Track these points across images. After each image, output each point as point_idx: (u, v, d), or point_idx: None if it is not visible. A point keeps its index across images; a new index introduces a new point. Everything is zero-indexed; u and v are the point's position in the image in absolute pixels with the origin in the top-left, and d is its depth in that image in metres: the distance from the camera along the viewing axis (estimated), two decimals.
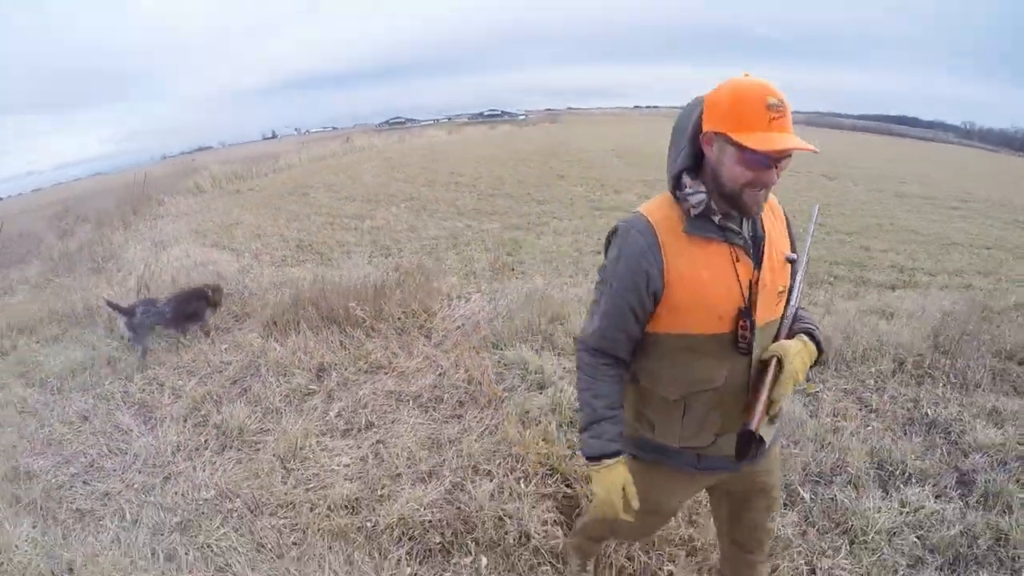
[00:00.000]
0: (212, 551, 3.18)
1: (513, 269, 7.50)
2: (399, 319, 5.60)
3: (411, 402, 4.37)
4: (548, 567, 2.79)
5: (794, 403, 3.97)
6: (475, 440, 3.76)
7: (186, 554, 3.16)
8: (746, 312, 1.59)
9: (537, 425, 3.83)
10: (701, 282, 1.59)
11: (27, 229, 17.81)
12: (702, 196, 1.56)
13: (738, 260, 1.60)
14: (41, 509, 3.72)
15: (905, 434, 3.75)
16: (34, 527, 3.53)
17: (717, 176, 1.53)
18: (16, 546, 3.34)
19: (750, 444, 1.58)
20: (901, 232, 10.71)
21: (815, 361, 1.67)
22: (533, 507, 3.11)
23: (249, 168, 25.61)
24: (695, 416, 1.71)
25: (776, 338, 1.67)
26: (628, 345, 1.71)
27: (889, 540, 2.89)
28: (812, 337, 1.67)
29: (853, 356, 4.56)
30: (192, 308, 6.09)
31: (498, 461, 3.52)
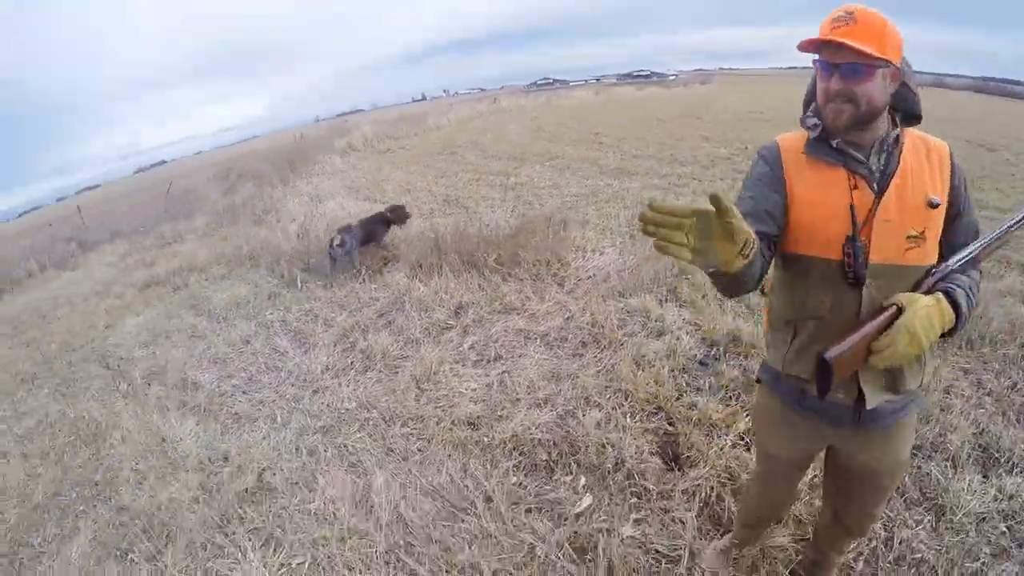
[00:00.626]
0: (347, 451, 3.70)
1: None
2: (534, 266, 5.95)
3: (538, 340, 4.70)
4: (637, 494, 3.05)
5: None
6: (591, 376, 4.06)
7: (325, 451, 3.73)
8: (852, 239, 1.58)
9: (651, 368, 4.08)
10: (813, 203, 1.63)
11: (192, 187, 19.32)
12: (815, 121, 1.63)
13: (855, 187, 1.59)
14: (204, 411, 4.47)
15: (1019, 422, 3.52)
16: (197, 424, 4.28)
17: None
18: (181, 439, 4.09)
19: (826, 376, 1.50)
20: None
21: (949, 331, 1.53)
22: (635, 439, 3.39)
23: (399, 128, 26.58)
24: (801, 342, 1.75)
25: (915, 290, 1.59)
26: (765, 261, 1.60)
27: (977, 524, 2.81)
28: (952, 299, 1.53)
29: (980, 336, 4.37)
30: (372, 230, 7.16)
31: (609, 396, 3.82)
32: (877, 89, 1.52)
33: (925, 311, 1.46)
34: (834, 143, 1.61)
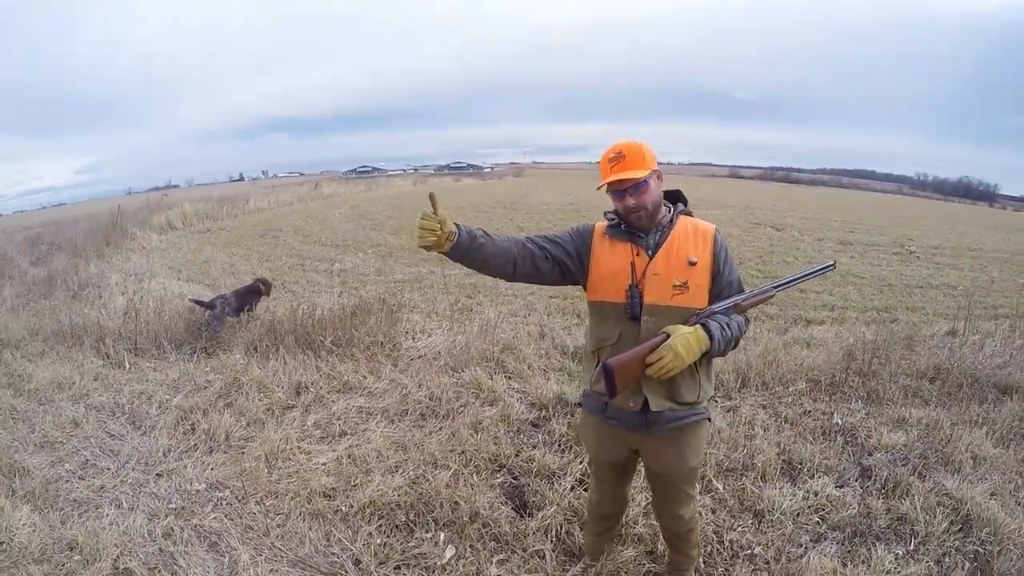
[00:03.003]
0: (205, 531, 3.64)
1: (471, 310, 7.97)
2: (368, 347, 6.11)
3: (379, 415, 4.85)
4: (494, 541, 3.30)
5: (712, 412, 4.45)
6: (435, 443, 4.29)
7: (181, 532, 3.63)
8: (633, 287, 2.27)
9: (489, 432, 4.39)
10: (609, 264, 2.35)
11: None
12: (613, 218, 2.42)
13: (638, 254, 2.31)
14: (39, 499, 4.16)
15: (814, 439, 4.26)
16: (33, 512, 3.98)
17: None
18: (16, 528, 3.79)
19: (609, 378, 2.14)
20: (839, 276, 11.45)
21: (707, 352, 2.19)
22: (484, 493, 3.65)
23: (219, 208, 26.10)
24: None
25: (685, 323, 2.23)
26: (544, 253, 2.40)
27: (794, 519, 3.40)
28: (707, 328, 2.19)
29: (772, 378, 5.12)
30: (248, 300, 7.49)
31: (454, 458, 4.05)
32: (654, 193, 2.32)
33: (684, 336, 2.13)
34: (622, 227, 2.38)
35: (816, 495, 3.59)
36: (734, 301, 2.31)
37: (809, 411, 4.68)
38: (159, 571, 3.34)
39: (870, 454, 4.10)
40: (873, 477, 3.80)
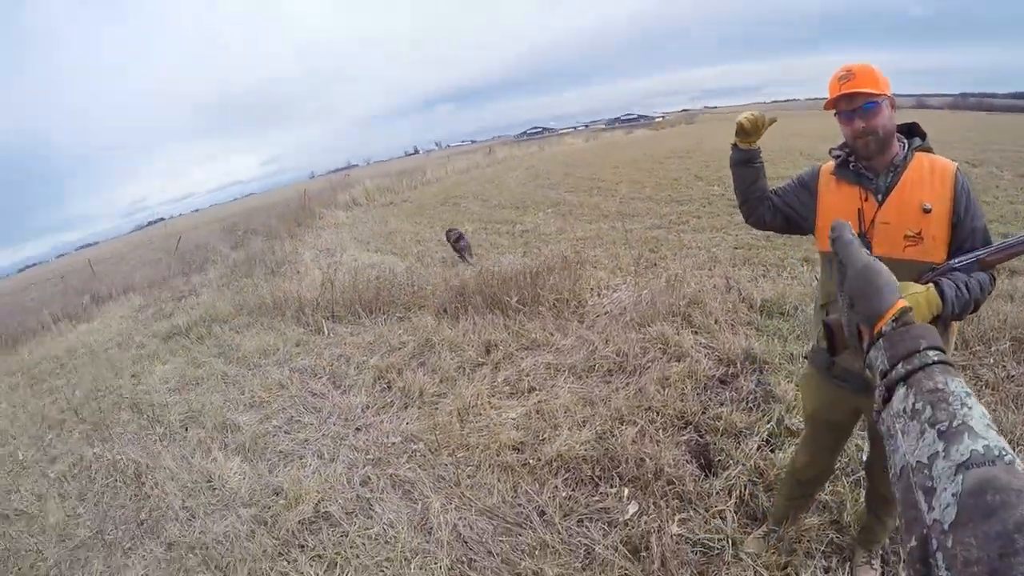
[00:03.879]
0: (399, 480, 3.95)
1: (656, 264, 7.92)
2: (555, 305, 6.25)
3: (567, 372, 4.98)
4: (677, 499, 3.32)
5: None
6: (621, 399, 4.34)
7: (377, 481, 3.96)
8: (860, 236, 2.07)
9: (676, 388, 4.38)
10: (835, 209, 2.22)
11: (200, 241, 19.98)
12: (839, 154, 2.25)
13: (866, 199, 2.14)
14: (248, 451, 4.73)
15: (1017, 407, 3.83)
16: (243, 462, 4.55)
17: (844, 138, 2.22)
18: (228, 476, 4.35)
19: (831, 337, 1.82)
20: None
21: (940, 315, 1.86)
22: (669, 450, 3.67)
23: (398, 182, 27.36)
24: None
25: (916, 280, 1.93)
26: (775, 207, 2.46)
27: None
28: (940, 290, 1.86)
29: (972, 335, 4.72)
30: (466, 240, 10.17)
31: (640, 414, 4.10)
32: (887, 118, 2.08)
33: (915, 296, 1.80)
34: (852, 167, 2.19)
35: None
36: (977, 256, 1.97)
37: (1012, 375, 4.23)
38: (356, 515, 3.67)
39: None
40: None
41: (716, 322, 5.48)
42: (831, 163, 2.30)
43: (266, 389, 5.84)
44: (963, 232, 2.05)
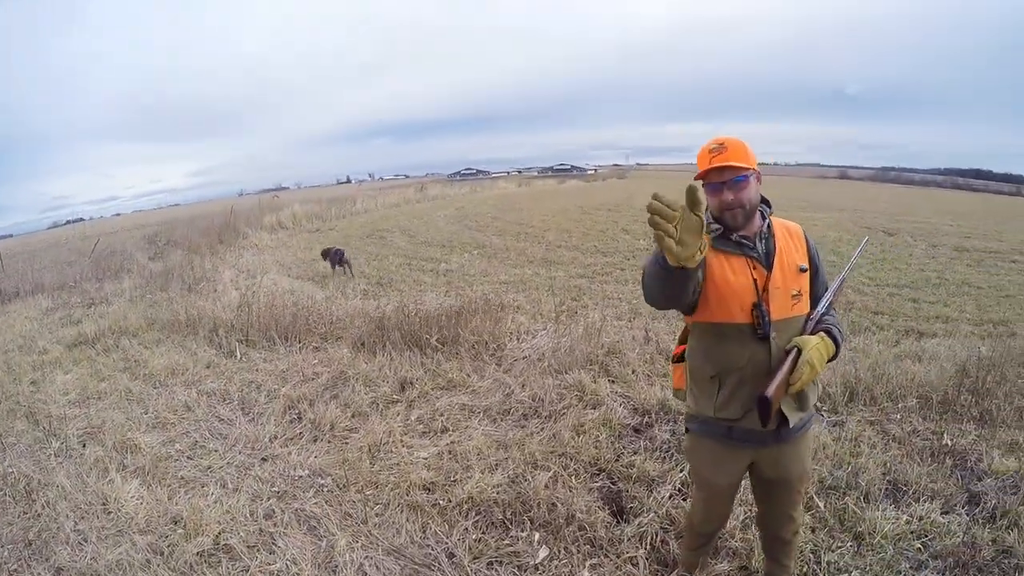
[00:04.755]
0: (305, 515, 3.80)
1: (577, 313, 7.97)
2: (473, 347, 6.21)
3: (482, 414, 4.94)
4: (589, 544, 3.29)
5: (819, 427, 4.39)
6: (536, 443, 4.32)
7: (282, 515, 3.80)
8: (758, 306, 2.16)
9: (590, 435, 4.40)
10: (726, 281, 2.18)
11: (118, 248, 19.29)
12: (715, 225, 2.23)
13: (754, 268, 2.19)
14: (148, 474, 4.45)
15: (922, 460, 4.03)
16: (141, 486, 4.28)
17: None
18: (125, 500, 4.07)
19: (766, 409, 2.01)
20: (954, 286, 10.85)
21: (832, 356, 2.18)
22: (582, 496, 3.65)
23: (327, 209, 27.30)
24: (727, 391, 2.26)
25: (801, 334, 2.19)
26: None
27: (894, 544, 3.24)
28: (831, 335, 2.18)
29: (881, 393, 4.90)
30: (341, 256, 11.72)
31: (554, 460, 4.08)
32: (754, 191, 2.20)
33: (816, 349, 2.10)
34: (733, 237, 2.22)
35: (920, 520, 3.40)
36: (829, 300, 2.31)
37: (918, 430, 4.47)
38: (258, 549, 3.51)
39: (979, 479, 3.86)
40: (981, 505, 3.56)
41: (633, 372, 5.56)
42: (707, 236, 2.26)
43: (171, 410, 5.58)
44: (819, 282, 2.35)
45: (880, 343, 6.81)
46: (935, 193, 51.84)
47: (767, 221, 2.27)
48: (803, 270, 2.25)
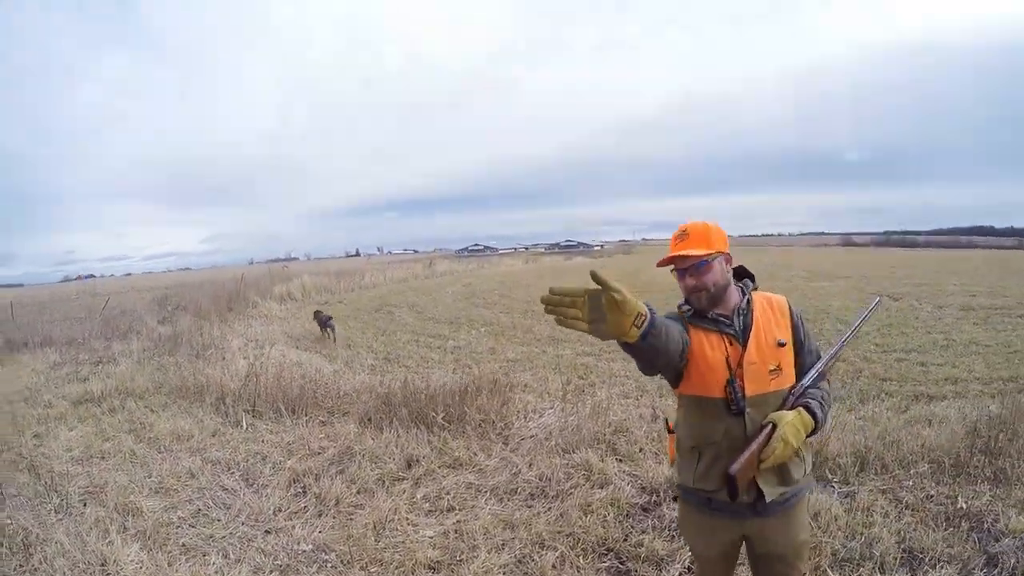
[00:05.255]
0: None
1: (583, 390, 7.90)
2: (480, 425, 6.20)
3: (488, 493, 4.88)
4: None
5: (830, 498, 4.30)
6: (543, 523, 4.26)
7: None
8: (731, 382, 2.17)
9: (598, 514, 4.33)
10: (703, 357, 2.21)
11: (128, 308, 19.74)
12: (687, 307, 2.31)
13: (730, 344, 2.21)
14: (149, 539, 4.41)
15: (937, 525, 3.94)
16: (142, 551, 4.23)
17: None
18: (124, 563, 4.03)
19: (732, 485, 2.03)
20: (961, 346, 10.68)
21: (813, 431, 2.14)
22: None
23: (336, 282, 27.82)
24: (705, 463, 2.26)
25: (781, 408, 2.17)
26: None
27: None
28: (809, 409, 2.13)
29: (892, 460, 4.82)
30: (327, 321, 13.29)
31: (561, 540, 4.02)
32: (719, 274, 2.23)
33: (791, 424, 2.07)
34: (709, 315, 2.26)
35: None
36: (819, 371, 2.27)
37: (932, 495, 4.37)
38: None
39: (997, 540, 3.75)
40: (999, 566, 3.50)
41: (640, 450, 5.51)
42: (683, 312, 2.35)
43: (175, 476, 5.57)
44: (805, 354, 2.31)
45: (889, 410, 6.66)
46: (939, 254, 51.74)
47: (746, 297, 2.31)
48: (781, 344, 2.25)
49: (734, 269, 2.37)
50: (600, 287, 1.67)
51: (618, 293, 1.68)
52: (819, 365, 2.28)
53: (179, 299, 21.41)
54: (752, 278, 2.40)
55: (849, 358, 9.44)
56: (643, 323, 1.78)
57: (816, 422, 2.15)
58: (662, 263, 2.29)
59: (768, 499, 2.22)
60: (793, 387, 2.23)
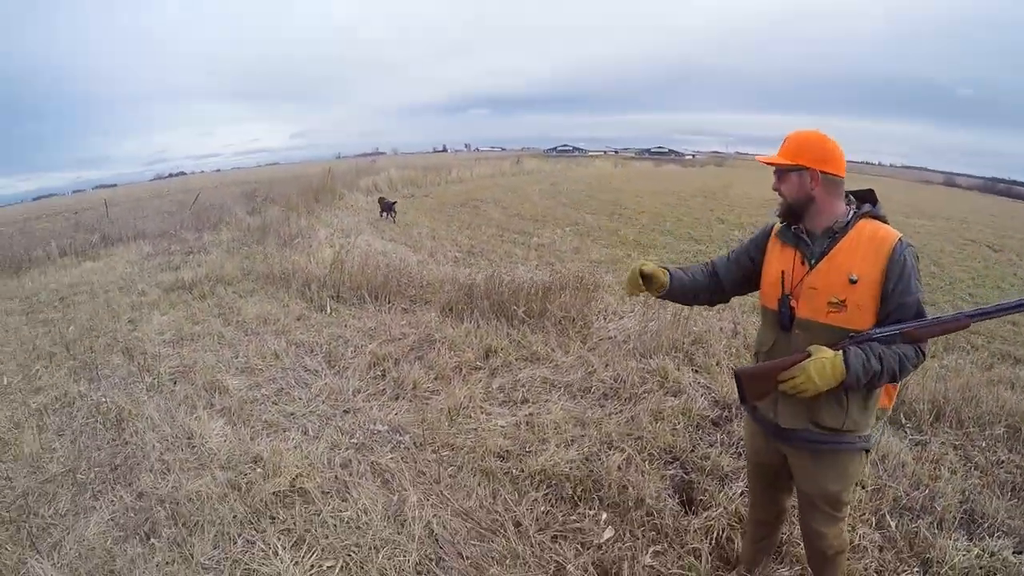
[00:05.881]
0: (380, 468, 3.94)
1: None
2: (560, 322, 6.25)
3: (562, 389, 4.96)
4: (654, 531, 3.28)
5: (900, 443, 4.20)
6: (613, 424, 4.32)
7: (358, 466, 3.97)
8: (784, 298, 2.22)
9: (668, 422, 4.36)
10: (771, 269, 2.32)
11: (217, 202, 20.10)
12: (781, 217, 2.32)
13: (801, 262, 2.21)
14: (234, 415, 4.75)
15: (1002, 493, 3.74)
16: (226, 425, 4.57)
17: None
18: (209, 436, 4.36)
19: (739, 384, 2.21)
20: None
21: (842, 383, 2.01)
22: (653, 482, 3.64)
23: (423, 176, 27.87)
24: None
25: (831, 345, 2.06)
26: (729, 272, 2.53)
27: None
28: (846, 356, 1.99)
29: (969, 417, 4.64)
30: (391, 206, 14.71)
31: (629, 443, 4.06)
32: (794, 187, 2.19)
33: (822, 361, 2.00)
34: (792, 229, 2.26)
35: (991, 556, 3.19)
36: (900, 328, 2.04)
37: (1003, 461, 4.18)
38: (332, 496, 3.66)
39: None
40: None
41: (718, 363, 5.45)
42: (779, 225, 2.38)
43: (260, 356, 5.86)
44: (890, 304, 2.07)
45: (973, 364, 6.41)
46: None
47: (848, 219, 2.16)
48: (852, 281, 2.07)
49: (859, 192, 2.24)
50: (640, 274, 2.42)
51: (650, 274, 2.43)
52: (907, 324, 2.04)
53: (267, 192, 21.89)
54: (874, 203, 2.21)
55: (940, 304, 9.15)
56: (663, 289, 2.45)
57: (848, 374, 1.99)
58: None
59: (782, 424, 2.28)
60: (859, 331, 2.08)
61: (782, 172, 2.20)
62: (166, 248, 12.89)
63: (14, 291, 10.20)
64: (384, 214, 16.12)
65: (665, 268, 2.47)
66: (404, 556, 3.16)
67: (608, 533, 3.27)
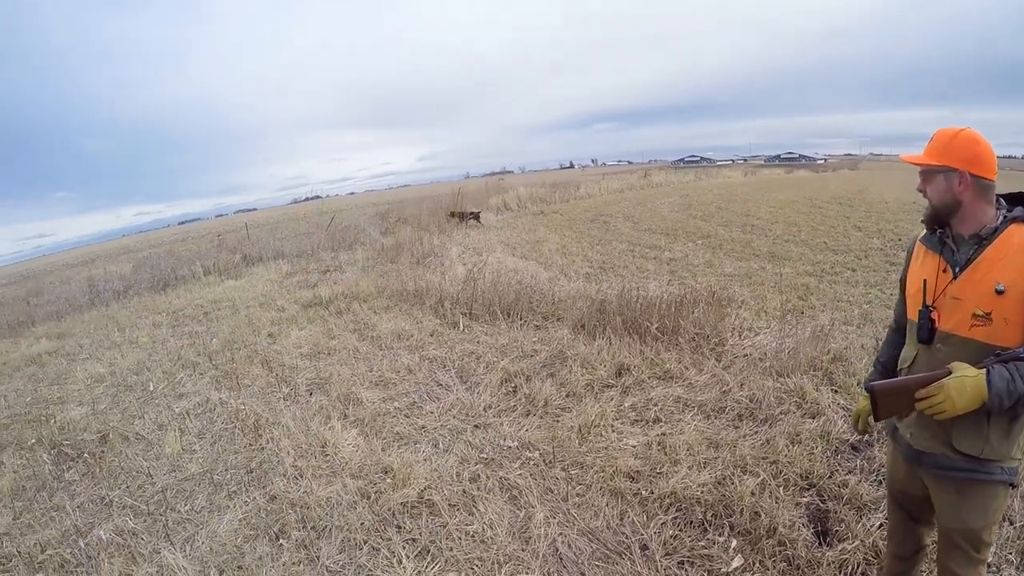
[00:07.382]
0: (508, 484, 4.01)
1: (803, 312, 7.61)
2: (694, 339, 6.15)
3: (695, 408, 4.87)
4: (785, 562, 3.14)
5: None
6: (747, 447, 4.20)
7: (486, 480, 4.06)
8: (924, 310, 2.06)
9: (805, 445, 4.18)
10: (915, 277, 2.16)
11: (352, 223, 21.21)
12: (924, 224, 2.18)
13: (944, 270, 2.04)
14: (366, 426, 4.98)
15: None
16: (359, 436, 4.79)
17: None
18: (342, 446, 4.59)
19: (873, 399, 1.95)
20: None
21: (985, 404, 1.77)
22: (787, 509, 3.50)
23: (551, 193, 28.21)
24: None
25: (974, 362, 1.85)
26: (906, 311, 2.29)
27: None
28: (989, 376, 1.77)
29: None
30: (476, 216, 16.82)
31: (764, 467, 3.94)
32: (939, 189, 2.03)
33: (963, 380, 1.79)
34: (937, 234, 2.11)
35: None
36: None
37: None
38: (459, 509, 3.76)
39: None
40: None
41: (859, 383, 5.15)
42: (925, 232, 2.21)
43: (394, 371, 6.11)
44: None
45: None
46: None
47: (998, 224, 1.96)
48: (1000, 291, 1.87)
49: (1011, 195, 2.06)
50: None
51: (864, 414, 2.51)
52: None
53: (400, 212, 22.89)
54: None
55: None
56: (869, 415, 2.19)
57: (990, 395, 1.76)
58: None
59: (915, 445, 2.15)
60: (1006, 348, 1.85)
61: (928, 172, 2.06)
62: (304, 267, 13.67)
63: (162, 306, 11.16)
64: (468, 219, 18.95)
65: (870, 381, 2.18)
66: (527, 573, 3.21)
67: (737, 561, 3.19)
